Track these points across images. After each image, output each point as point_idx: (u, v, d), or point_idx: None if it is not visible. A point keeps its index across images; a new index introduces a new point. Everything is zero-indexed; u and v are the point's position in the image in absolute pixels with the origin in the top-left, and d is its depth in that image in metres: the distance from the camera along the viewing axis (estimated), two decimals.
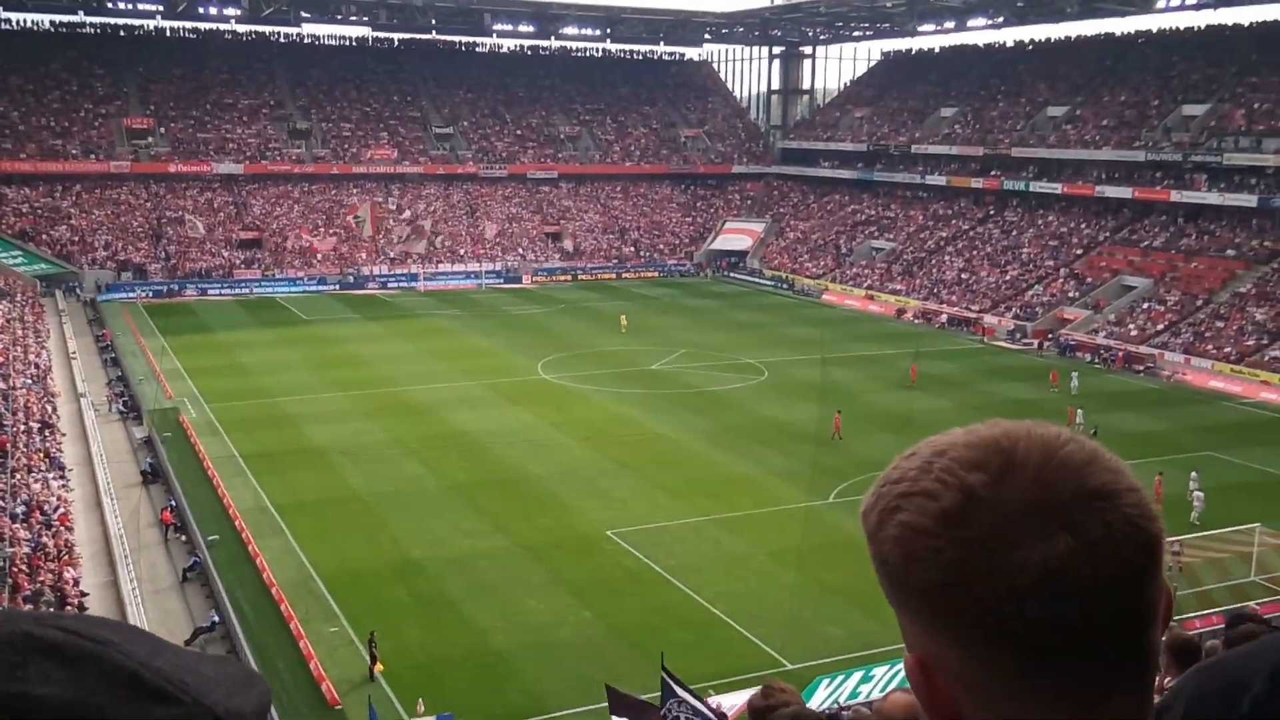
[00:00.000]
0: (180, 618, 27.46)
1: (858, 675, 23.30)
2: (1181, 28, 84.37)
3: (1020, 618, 1.05)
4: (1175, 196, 69.91)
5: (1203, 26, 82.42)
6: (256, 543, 31.00)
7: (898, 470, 1.19)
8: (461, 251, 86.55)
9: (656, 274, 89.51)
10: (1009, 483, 1.09)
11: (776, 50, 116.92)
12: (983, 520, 1.07)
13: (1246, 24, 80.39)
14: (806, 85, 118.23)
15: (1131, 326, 62.45)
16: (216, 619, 26.83)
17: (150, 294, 73.96)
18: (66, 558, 28.88)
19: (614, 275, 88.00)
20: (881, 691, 22.07)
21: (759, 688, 4.30)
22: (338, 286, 78.89)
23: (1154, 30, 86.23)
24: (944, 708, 1.15)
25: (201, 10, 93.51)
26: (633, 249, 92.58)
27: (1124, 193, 73.38)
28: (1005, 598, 1.05)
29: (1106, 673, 1.09)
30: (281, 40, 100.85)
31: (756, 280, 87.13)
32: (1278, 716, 1.27)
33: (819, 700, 22.68)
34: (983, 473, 1.10)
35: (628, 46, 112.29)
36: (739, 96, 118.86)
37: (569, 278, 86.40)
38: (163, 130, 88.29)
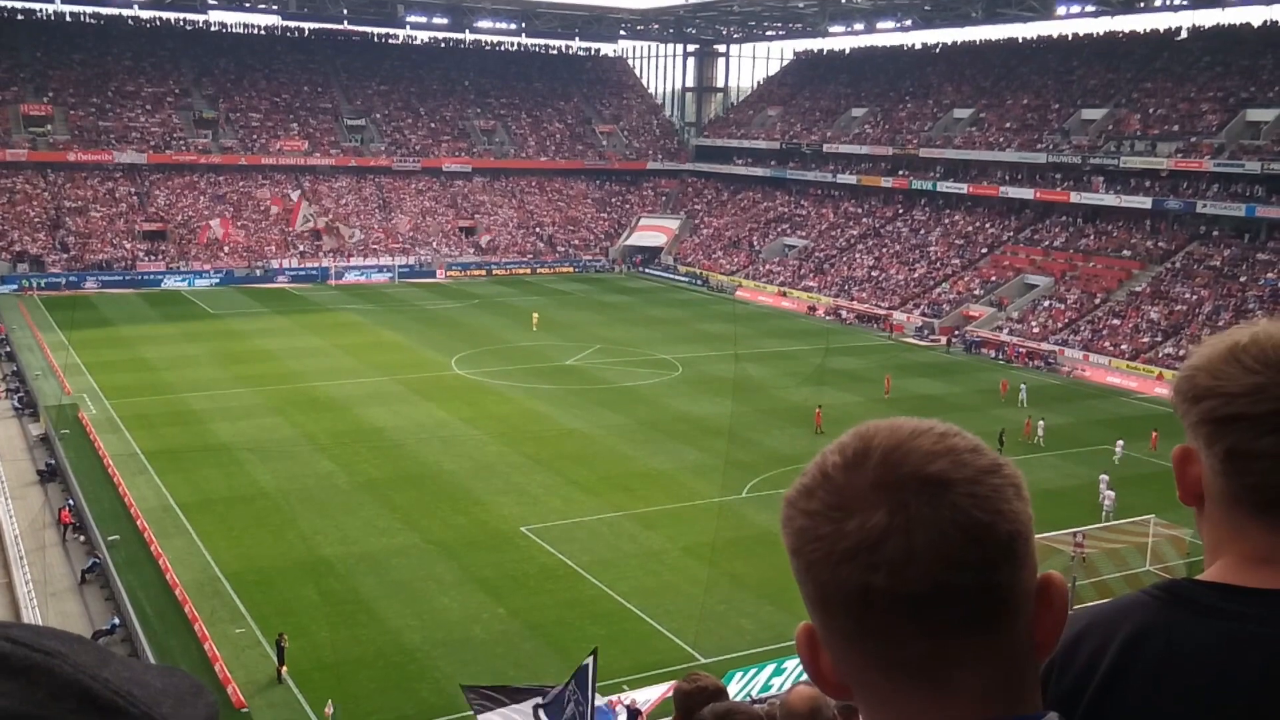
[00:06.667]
0: (79, 620, 26.71)
1: (770, 668, 23.58)
2: (1081, 34, 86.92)
3: (840, 582, 1.14)
4: (1075, 198, 71.99)
5: (1101, 33, 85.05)
6: (159, 542, 30.26)
7: None
8: (374, 245, 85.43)
9: (571, 269, 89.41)
10: (857, 466, 1.18)
11: (691, 48, 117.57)
12: (825, 495, 1.18)
13: (1143, 31, 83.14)
14: (721, 83, 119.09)
15: (1034, 324, 64.15)
16: (117, 621, 26.16)
17: (48, 285, 71.66)
18: None
19: (529, 270, 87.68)
20: (794, 684, 22.41)
21: (681, 679, 4.40)
22: (288, 277, 77.31)
23: (1054, 36, 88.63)
24: (824, 672, 1.23)
25: None
26: (548, 244, 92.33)
27: (1026, 193, 75.33)
28: (828, 562, 1.15)
29: (934, 648, 1.15)
30: (187, 27, 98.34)
31: (671, 276, 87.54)
32: (1117, 684, 1.39)
33: (731, 694, 22.93)
34: (839, 456, 1.20)
35: (543, 41, 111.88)
36: (654, 93, 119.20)
37: (484, 273, 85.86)
38: (62, 117, 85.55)
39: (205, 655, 24.48)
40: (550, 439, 41.54)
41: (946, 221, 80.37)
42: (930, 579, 1.12)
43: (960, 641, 1.15)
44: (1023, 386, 50.17)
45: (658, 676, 23.27)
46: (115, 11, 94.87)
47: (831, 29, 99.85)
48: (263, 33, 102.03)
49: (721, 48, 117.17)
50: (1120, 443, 40.67)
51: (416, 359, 54.86)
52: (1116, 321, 61.61)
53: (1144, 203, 68.10)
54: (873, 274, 77.34)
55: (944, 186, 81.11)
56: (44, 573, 28.84)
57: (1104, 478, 36.43)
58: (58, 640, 0.97)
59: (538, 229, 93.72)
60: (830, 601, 1.16)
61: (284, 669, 23.80)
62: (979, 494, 1.16)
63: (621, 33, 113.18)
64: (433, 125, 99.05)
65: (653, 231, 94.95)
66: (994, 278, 71.44)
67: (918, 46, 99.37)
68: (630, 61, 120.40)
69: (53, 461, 37.34)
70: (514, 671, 24.23)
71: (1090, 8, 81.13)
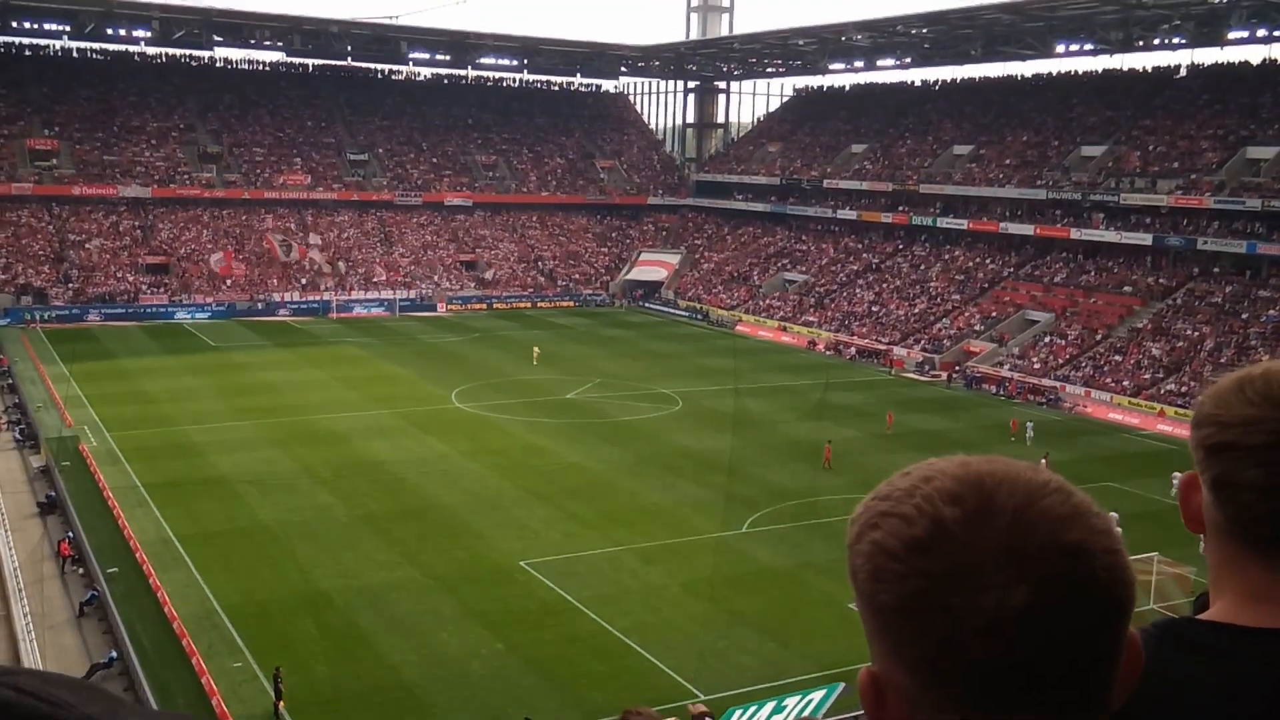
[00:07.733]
0: (76, 653, 26.56)
1: (770, 705, 23.40)
2: (1080, 72, 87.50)
3: (967, 657, 1.07)
4: (1075, 234, 72.22)
5: (1100, 71, 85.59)
6: (158, 575, 30.14)
7: (888, 486, 1.19)
8: (375, 279, 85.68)
9: (572, 303, 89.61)
10: (983, 523, 1.09)
11: (692, 84, 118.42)
12: (949, 556, 1.09)
13: (1142, 69, 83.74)
14: (721, 119, 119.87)
15: (1034, 359, 64.17)
16: (114, 655, 26.00)
17: (51, 318, 71.77)
18: None
19: (529, 304, 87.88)
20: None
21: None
22: (290, 310, 77.40)
23: (1054, 73, 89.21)
24: None
25: (110, 32, 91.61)
26: (548, 278, 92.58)
27: (1026, 229, 75.58)
28: (955, 635, 1.07)
29: (1046, 716, 1.10)
30: (192, 64, 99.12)
31: (671, 311, 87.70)
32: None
33: None
34: (959, 508, 1.11)
35: (545, 77, 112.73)
36: (655, 129, 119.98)
37: (484, 306, 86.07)
38: (68, 152, 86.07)
39: (203, 689, 24.32)
40: (550, 473, 41.45)
41: (947, 257, 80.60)
42: (1070, 658, 1.07)
43: (1074, 714, 1.11)
44: (1029, 425, 50.14)
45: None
46: (122, 48, 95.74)
47: (831, 66, 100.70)
48: (267, 69, 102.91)
49: (722, 84, 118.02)
50: (1176, 475, 40.55)
51: (417, 392, 54.86)
52: (1118, 358, 61.64)
53: (1145, 239, 68.32)
54: (873, 309, 77.47)
55: (944, 222, 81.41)
56: (42, 605, 28.70)
57: (1113, 515, 36.36)
58: (66, 689, 0.93)
59: (538, 263, 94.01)
60: (949, 668, 1.08)
61: (281, 704, 23.63)
62: (1114, 565, 1.11)
63: (623, 69, 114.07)
64: (435, 160, 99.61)
65: (653, 266, 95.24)
66: (994, 313, 71.55)
67: (917, 83, 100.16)
68: (631, 98, 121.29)
69: (53, 494, 37.25)
70: (512, 709, 24.07)
71: (1089, 46, 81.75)
